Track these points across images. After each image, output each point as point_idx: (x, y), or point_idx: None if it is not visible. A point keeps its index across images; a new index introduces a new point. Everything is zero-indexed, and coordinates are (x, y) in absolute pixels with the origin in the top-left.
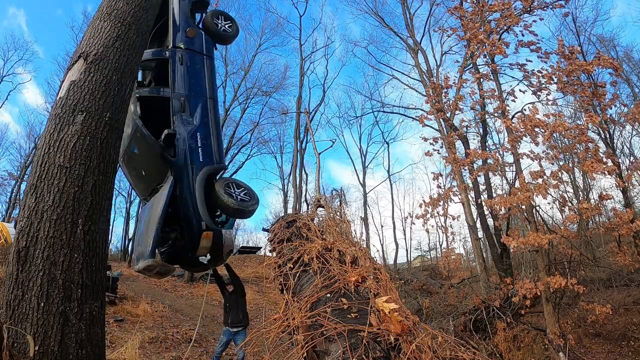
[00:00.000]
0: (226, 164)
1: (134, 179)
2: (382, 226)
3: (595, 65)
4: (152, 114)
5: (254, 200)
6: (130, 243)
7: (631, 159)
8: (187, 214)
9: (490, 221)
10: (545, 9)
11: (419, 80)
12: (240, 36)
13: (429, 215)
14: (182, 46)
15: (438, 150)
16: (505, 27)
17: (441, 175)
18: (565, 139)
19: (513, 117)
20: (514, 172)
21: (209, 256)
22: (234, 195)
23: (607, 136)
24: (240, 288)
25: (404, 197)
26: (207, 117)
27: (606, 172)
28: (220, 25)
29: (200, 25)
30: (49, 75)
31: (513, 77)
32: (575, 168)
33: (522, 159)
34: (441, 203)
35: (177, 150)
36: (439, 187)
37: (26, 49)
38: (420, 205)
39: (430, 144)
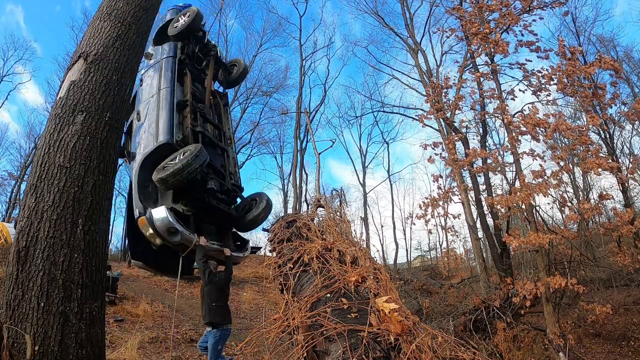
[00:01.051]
0: (170, 137)
1: None
2: (382, 226)
3: (597, 66)
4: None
5: (184, 160)
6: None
7: (631, 159)
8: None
9: (490, 221)
10: (544, 8)
11: (419, 80)
12: (241, 36)
13: (429, 216)
14: (142, 72)
15: (440, 154)
16: (504, 27)
17: (441, 177)
18: (566, 139)
19: (513, 116)
20: (514, 172)
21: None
22: (167, 163)
23: (607, 136)
24: (204, 277)
25: (404, 197)
26: (156, 106)
27: (608, 168)
28: (178, 24)
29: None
30: (48, 74)
31: (513, 77)
32: (575, 168)
33: (522, 158)
34: (441, 203)
35: (130, 156)
36: (439, 188)
37: (26, 49)
38: (421, 207)
39: (432, 148)
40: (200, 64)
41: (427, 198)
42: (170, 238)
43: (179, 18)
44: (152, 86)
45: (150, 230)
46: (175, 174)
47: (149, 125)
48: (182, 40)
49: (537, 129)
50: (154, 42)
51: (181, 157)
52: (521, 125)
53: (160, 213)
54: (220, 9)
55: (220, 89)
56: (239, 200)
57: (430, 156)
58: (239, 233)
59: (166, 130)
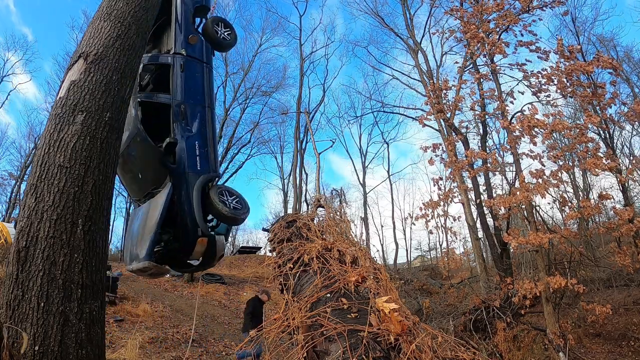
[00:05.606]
0: (220, 172)
1: (128, 179)
2: (382, 226)
3: (595, 65)
4: (150, 117)
5: (245, 209)
6: (122, 242)
7: (631, 159)
8: (184, 219)
9: (490, 221)
10: (544, 8)
11: (419, 81)
12: (240, 36)
13: (430, 217)
14: (183, 52)
15: (441, 156)
16: (504, 27)
17: (441, 179)
18: (565, 139)
19: (512, 117)
20: (514, 172)
21: (200, 259)
22: (227, 202)
23: (607, 136)
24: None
25: (404, 197)
26: (205, 127)
27: (607, 169)
28: (220, 32)
29: (201, 32)
30: (48, 74)
31: (512, 77)
32: (575, 168)
33: (522, 159)
34: (441, 204)
35: (176, 157)
36: (439, 189)
37: (26, 49)
38: (421, 209)
39: (432, 151)
40: None
41: (428, 202)
42: (218, 261)
43: (220, 23)
44: (198, 90)
45: (202, 249)
46: (243, 220)
47: (204, 145)
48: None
49: (536, 129)
50: (193, 21)
51: (230, 198)
52: (518, 128)
53: (222, 241)
54: (212, 12)
55: None
56: None
57: (431, 157)
58: None
59: (217, 163)
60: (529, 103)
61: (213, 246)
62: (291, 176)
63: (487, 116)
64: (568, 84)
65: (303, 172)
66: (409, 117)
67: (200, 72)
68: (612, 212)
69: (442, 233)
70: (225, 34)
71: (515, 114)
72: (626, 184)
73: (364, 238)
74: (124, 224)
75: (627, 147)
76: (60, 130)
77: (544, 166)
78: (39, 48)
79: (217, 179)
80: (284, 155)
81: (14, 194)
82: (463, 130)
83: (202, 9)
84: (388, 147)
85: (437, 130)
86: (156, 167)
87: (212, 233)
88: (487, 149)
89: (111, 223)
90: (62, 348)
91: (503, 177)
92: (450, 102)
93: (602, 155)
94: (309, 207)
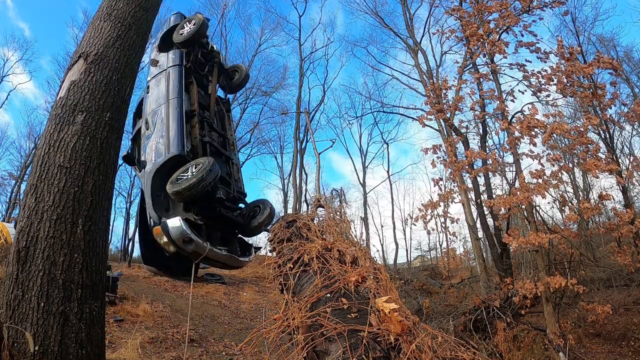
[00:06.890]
0: (179, 149)
1: None
2: (382, 226)
3: (595, 66)
4: None
5: (196, 174)
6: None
7: (631, 159)
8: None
9: (490, 221)
10: (544, 8)
11: (418, 80)
12: (239, 36)
13: (429, 217)
14: (149, 79)
15: (443, 158)
16: (504, 27)
17: (441, 179)
18: (566, 139)
19: (512, 118)
20: (514, 172)
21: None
22: (181, 177)
23: (607, 136)
24: None
25: (404, 197)
26: (166, 116)
27: (607, 171)
28: (184, 31)
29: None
30: (48, 74)
31: (513, 77)
32: (575, 168)
33: (522, 159)
34: (441, 204)
35: (141, 165)
36: (440, 189)
37: (26, 49)
38: (420, 210)
39: (433, 152)
40: (203, 69)
41: (428, 202)
42: (185, 247)
43: (184, 25)
44: (159, 95)
45: (165, 239)
46: (190, 188)
47: (160, 136)
48: (187, 48)
49: (536, 129)
50: (158, 47)
51: (194, 170)
52: (518, 129)
53: (175, 223)
54: (222, 15)
55: (221, 94)
56: (242, 205)
57: (433, 160)
58: (244, 238)
59: (177, 142)
60: (529, 103)
61: (167, 233)
62: (291, 176)
63: (487, 116)
64: (568, 84)
65: (303, 172)
66: (408, 117)
67: (162, 80)
68: (612, 212)
69: (442, 233)
70: (191, 26)
71: (515, 114)
72: (626, 185)
73: (364, 238)
74: (124, 224)
75: (627, 147)
76: (60, 130)
77: (544, 166)
78: (39, 47)
79: (180, 159)
80: (284, 155)
81: (14, 194)
82: (463, 131)
83: (171, 31)
84: (388, 147)
85: (437, 130)
86: None
87: (164, 220)
88: (487, 149)
89: (111, 223)
90: (62, 348)
91: (503, 178)
92: (450, 102)
93: (602, 156)
94: (309, 207)
